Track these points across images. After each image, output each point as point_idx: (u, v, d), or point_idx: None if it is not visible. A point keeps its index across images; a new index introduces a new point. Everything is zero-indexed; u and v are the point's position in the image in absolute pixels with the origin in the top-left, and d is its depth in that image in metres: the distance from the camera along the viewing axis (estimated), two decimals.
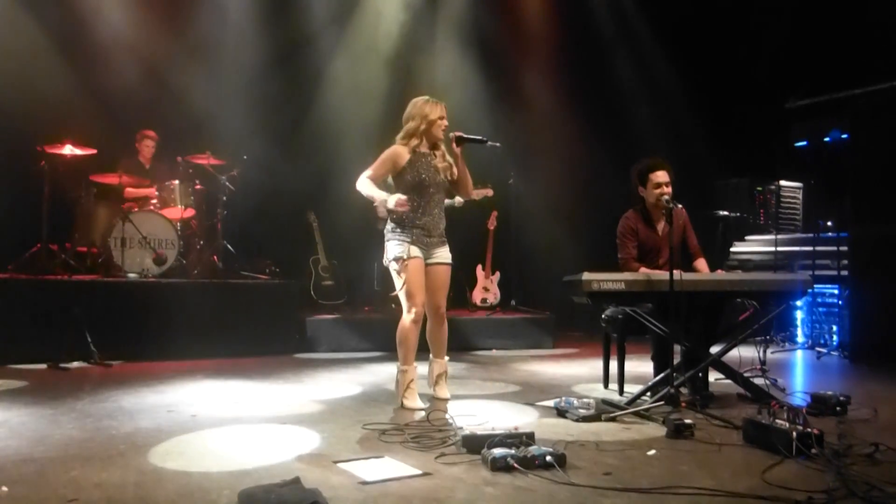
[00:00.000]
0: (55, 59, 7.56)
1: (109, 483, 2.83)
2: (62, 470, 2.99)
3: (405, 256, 4.33)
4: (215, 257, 7.54)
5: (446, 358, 4.65)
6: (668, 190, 4.77)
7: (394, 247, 4.40)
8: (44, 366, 5.68)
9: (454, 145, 4.45)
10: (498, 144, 4.71)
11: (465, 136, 4.47)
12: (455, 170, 4.54)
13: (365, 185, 4.40)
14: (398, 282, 4.40)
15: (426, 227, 4.42)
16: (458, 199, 5.27)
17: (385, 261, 4.47)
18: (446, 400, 4.55)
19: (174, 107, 7.93)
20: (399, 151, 4.43)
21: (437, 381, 4.61)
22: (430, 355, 4.64)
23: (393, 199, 4.27)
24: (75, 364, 5.76)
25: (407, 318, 4.39)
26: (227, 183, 7.64)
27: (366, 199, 4.59)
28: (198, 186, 7.63)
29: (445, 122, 4.48)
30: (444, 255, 4.52)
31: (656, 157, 4.91)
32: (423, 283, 4.39)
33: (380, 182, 4.45)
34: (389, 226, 4.48)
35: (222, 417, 4.07)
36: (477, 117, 8.13)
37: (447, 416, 3.93)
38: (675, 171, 4.89)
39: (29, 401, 4.44)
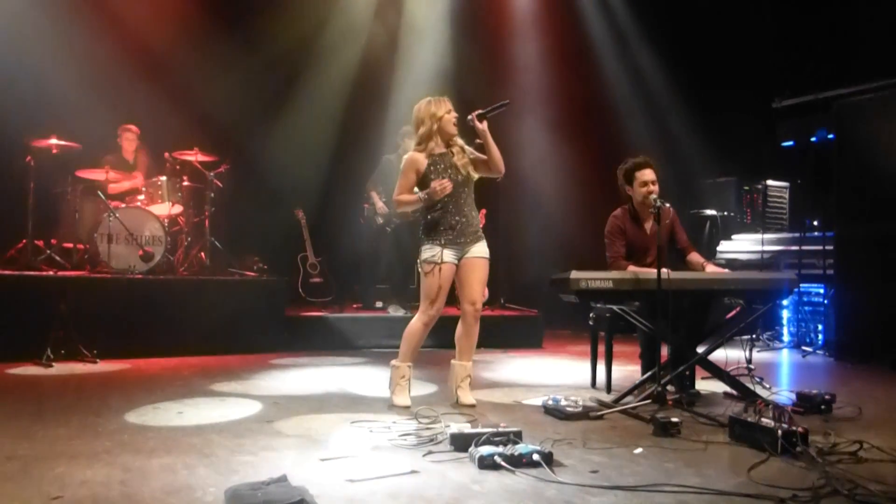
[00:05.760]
0: (41, 53, 7.49)
1: (95, 480, 2.82)
2: (47, 467, 2.97)
3: (438, 261, 4.24)
4: (203, 254, 7.50)
5: (470, 362, 4.44)
6: (655, 188, 4.80)
7: (427, 250, 4.31)
8: (29, 362, 5.63)
9: (478, 124, 4.27)
10: (508, 101, 4.45)
11: (485, 111, 4.30)
12: (475, 162, 4.38)
13: (401, 202, 4.37)
14: (423, 282, 4.33)
15: (459, 228, 4.30)
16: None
17: (419, 261, 4.38)
18: (471, 406, 4.31)
19: (162, 103, 7.87)
20: (417, 158, 4.32)
21: (460, 385, 4.39)
22: (454, 358, 4.45)
23: (435, 186, 4.19)
24: (61, 361, 5.72)
25: (420, 318, 4.32)
26: (215, 179, 7.60)
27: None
28: (185, 183, 7.57)
29: (455, 115, 4.36)
30: (480, 249, 4.35)
31: (642, 155, 4.94)
32: (446, 290, 4.30)
33: (410, 192, 4.36)
34: (424, 228, 4.40)
35: (209, 414, 4.06)
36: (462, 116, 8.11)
37: (435, 413, 3.93)
38: (661, 169, 4.92)
39: (14, 397, 4.41)
